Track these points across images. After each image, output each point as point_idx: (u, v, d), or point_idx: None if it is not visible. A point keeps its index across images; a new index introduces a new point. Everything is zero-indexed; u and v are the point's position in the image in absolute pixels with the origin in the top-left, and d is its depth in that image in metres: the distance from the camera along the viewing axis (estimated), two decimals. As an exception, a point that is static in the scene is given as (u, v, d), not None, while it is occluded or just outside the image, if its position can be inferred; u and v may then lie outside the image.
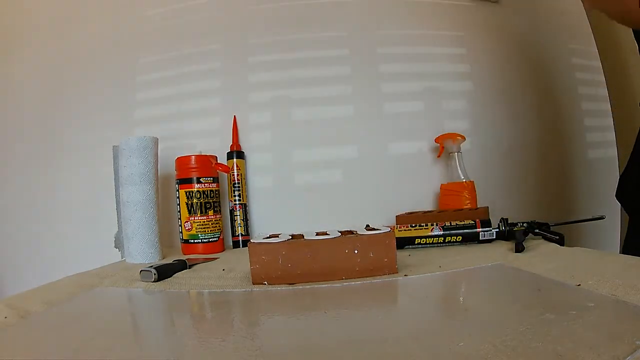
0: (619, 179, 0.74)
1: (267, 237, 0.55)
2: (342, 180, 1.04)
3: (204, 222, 0.85)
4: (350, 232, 0.55)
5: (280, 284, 0.51)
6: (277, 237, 0.54)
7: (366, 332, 0.35)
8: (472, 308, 0.38)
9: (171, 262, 0.64)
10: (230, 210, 0.96)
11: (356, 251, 0.52)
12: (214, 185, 0.87)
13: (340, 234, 0.54)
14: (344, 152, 1.04)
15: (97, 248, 0.89)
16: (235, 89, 1.05)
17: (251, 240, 0.53)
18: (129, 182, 0.75)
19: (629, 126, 1.09)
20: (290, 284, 0.51)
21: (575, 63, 1.16)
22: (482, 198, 0.95)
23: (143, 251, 0.76)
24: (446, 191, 0.95)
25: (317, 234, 0.55)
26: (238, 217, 0.95)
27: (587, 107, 1.15)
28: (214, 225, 0.86)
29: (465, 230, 0.72)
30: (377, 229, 0.54)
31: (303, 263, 0.51)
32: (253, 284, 0.52)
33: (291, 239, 0.54)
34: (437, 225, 0.73)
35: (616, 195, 0.74)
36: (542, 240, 0.68)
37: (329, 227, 0.60)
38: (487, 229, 0.72)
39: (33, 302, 0.47)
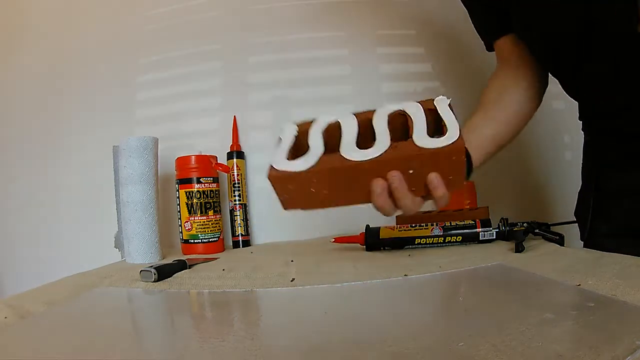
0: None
1: (292, 148, 0.46)
2: (342, 180, 1.03)
3: (204, 222, 0.85)
4: (403, 114, 0.44)
5: (317, 208, 0.48)
6: (306, 150, 0.44)
7: (366, 332, 0.35)
8: (472, 308, 0.38)
9: (171, 262, 0.64)
10: (230, 210, 0.96)
11: (411, 171, 0.42)
12: (214, 185, 0.87)
13: (389, 136, 0.42)
14: (344, 152, 1.04)
15: (97, 248, 0.89)
16: (235, 89, 1.05)
17: (273, 166, 0.44)
18: (129, 182, 0.75)
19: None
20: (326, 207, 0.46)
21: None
22: (482, 198, 0.95)
23: (143, 251, 0.75)
24: (446, 191, 0.95)
25: (357, 116, 0.45)
26: (238, 217, 0.95)
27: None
28: (214, 225, 0.86)
29: (465, 230, 0.72)
30: (439, 136, 0.41)
31: (340, 190, 0.44)
32: (285, 209, 0.47)
33: (323, 154, 0.43)
34: (437, 225, 0.73)
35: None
36: (542, 240, 0.68)
37: (328, 229, 0.59)
38: (487, 229, 0.72)
39: (33, 302, 0.47)
